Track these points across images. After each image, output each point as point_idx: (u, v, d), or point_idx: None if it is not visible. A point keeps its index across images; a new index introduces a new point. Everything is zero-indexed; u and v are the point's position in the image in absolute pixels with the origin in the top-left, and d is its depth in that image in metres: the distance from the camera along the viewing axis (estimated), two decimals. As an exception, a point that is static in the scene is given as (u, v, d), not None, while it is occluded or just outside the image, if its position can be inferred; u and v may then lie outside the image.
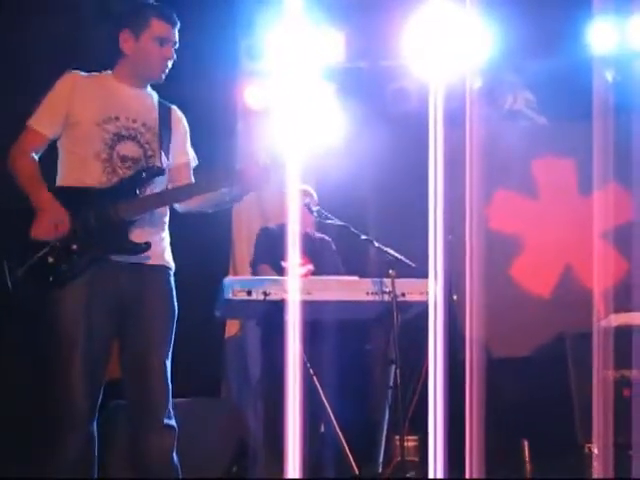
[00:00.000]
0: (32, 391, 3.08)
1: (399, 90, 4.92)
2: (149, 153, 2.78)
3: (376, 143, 4.56)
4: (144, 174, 2.74)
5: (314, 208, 4.03)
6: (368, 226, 4.58)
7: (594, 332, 3.11)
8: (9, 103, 2.81)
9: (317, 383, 3.55)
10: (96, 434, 2.68)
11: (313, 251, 4.08)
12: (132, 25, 2.78)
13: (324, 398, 3.55)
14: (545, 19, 4.63)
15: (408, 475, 3.55)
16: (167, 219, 2.86)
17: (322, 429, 3.84)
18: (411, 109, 4.81)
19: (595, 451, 3.60)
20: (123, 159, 2.73)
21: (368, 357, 4.14)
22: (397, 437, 3.65)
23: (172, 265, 2.84)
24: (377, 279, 3.75)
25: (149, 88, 2.89)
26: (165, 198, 2.80)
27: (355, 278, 3.83)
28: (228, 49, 4.77)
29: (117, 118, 2.74)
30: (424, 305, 3.70)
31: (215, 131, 4.35)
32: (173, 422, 2.72)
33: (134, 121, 2.77)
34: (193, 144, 2.99)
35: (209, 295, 3.81)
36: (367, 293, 3.73)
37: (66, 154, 2.76)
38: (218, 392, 4.61)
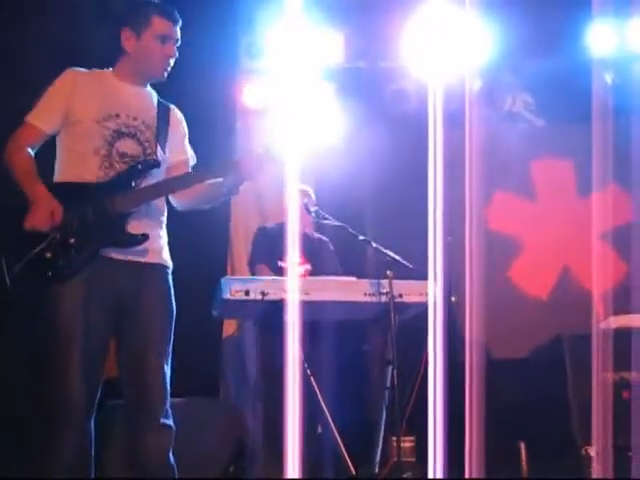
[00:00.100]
0: (29, 387, 3.07)
1: (398, 91, 4.92)
2: (148, 151, 2.78)
3: (375, 143, 4.56)
4: (140, 166, 2.74)
5: (312, 208, 4.03)
6: (366, 227, 4.59)
7: (593, 334, 3.11)
8: (9, 103, 2.80)
9: (314, 383, 3.54)
10: (93, 433, 2.67)
11: (311, 251, 4.07)
12: (134, 23, 2.78)
13: (321, 398, 3.55)
14: (544, 21, 4.63)
15: (404, 476, 3.55)
16: (165, 218, 2.86)
17: (319, 429, 3.84)
18: (410, 110, 4.81)
19: (593, 453, 3.60)
20: (122, 156, 2.74)
21: (365, 358, 4.13)
22: (394, 438, 3.65)
23: (170, 264, 2.84)
24: (375, 280, 3.74)
25: (149, 87, 2.89)
26: (161, 189, 2.79)
27: (353, 279, 3.83)
28: (228, 47, 4.77)
29: (117, 115, 2.75)
30: (422, 306, 3.72)
31: (214, 129, 4.35)
32: (170, 422, 2.72)
33: (134, 119, 2.78)
34: (191, 142, 2.99)
35: (206, 294, 3.81)
36: (365, 294, 3.73)
37: (65, 151, 2.76)
38: (216, 392, 4.61)
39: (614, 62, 4.73)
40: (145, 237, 2.72)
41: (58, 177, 2.77)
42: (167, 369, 2.73)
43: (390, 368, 3.63)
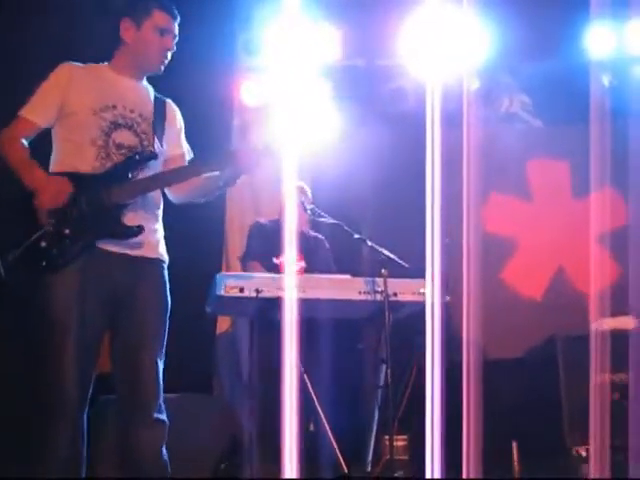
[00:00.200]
0: (23, 378, 3.06)
1: (396, 89, 4.92)
2: (145, 143, 2.78)
3: (372, 142, 4.56)
4: (137, 157, 2.74)
5: (308, 206, 4.03)
6: (363, 225, 4.58)
7: (591, 335, 3.12)
8: (8, 103, 2.80)
9: (308, 381, 3.54)
10: (86, 426, 2.66)
11: (307, 249, 4.07)
12: (134, 14, 2.79)
13: (314, 396, 3.55)
14: (542, 22, 4.63)
15: (397, 474, 3.56)
16: (161, 211, 2.85)
17: (311, 427, 3.84)
18: (408, 109, 4.81)
19: (583, 454, 3.62)
20: (119, 146, 2.74)
21: (359, 356, 4.13)
22: (386, 436, 3.65)
23: (166, 258, 2.84)
24: (369, 278, 3.75)
25: (145, 81, 2.89)
26: (158, 181, 2.79)
27: (348, 277, 3.83)
28: (225, 44, 4.76)
29: (114, 107, 2.75)
30: (416, 305, 3.73)
31: (211, 126, 4.34)
32: (164, 416, 2.72)
33: (131, 111, 2.78)
34: (188, 138, 2.99)
35: (201, 290, 3.80)
36: (359, 292, 3.73)
37: (61, 142, 2.76)
38: (209, 388, 4.60)
39: (612, 64, 4.73)
40: (141, 229, 2.71)
41: (54, 168, 2.76)
42: (161, 364, 2.73)
43: (384, 367, 3.63)
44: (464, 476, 2.22)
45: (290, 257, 3.10)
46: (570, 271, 5.10)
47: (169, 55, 2.83)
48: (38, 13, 3.92)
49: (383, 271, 3.69)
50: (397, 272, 3.76)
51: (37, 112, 2.72)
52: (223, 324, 4.73)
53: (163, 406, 2.72)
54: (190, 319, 3.89)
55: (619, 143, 3.54)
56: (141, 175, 2.76)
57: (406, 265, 3.76)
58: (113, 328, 2.72)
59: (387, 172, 4.73)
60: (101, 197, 2.68)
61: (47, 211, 2.62)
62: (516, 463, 4.15)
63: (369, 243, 3.86)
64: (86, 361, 2.65)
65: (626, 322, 3.86)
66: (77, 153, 2.72)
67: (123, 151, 2.74)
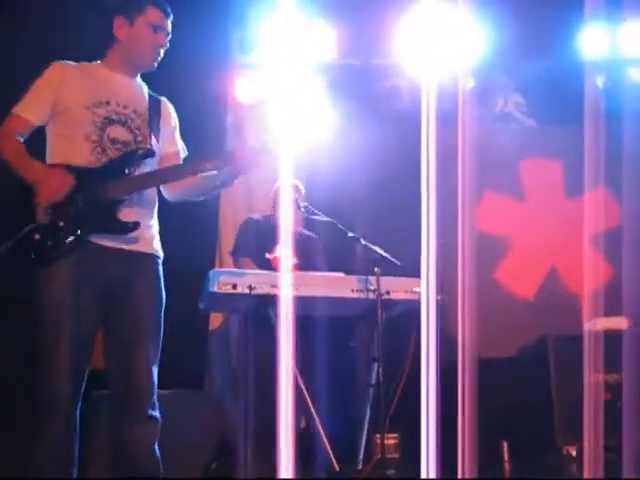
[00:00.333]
0: (15, 373, 3.06)
1: (391, 88, 4.93)
2: (139, 138, 2.78)
3: (367, 140, 4.57)
4: (134, 154, 2.74)
5: (302, 204, 4.03)
6: (357, 223, 4.59)
7: (585, 335, 3.14)
8: (1, 101, 2.80)
9: (300, 378, 3.54)
10: (78, 422, 2.66)
11: (300, 248, 4.07)
12: (127, 11, 2.80)
13: (306, 394, 3.55)
14: (537, 22, 4.65)
15: (388, 473, 3.56)
16: (156, 207, 2.85)
17: (302, 425, 3.84)
18: (403, 107, 4.82)
19: (574, 453, 3.64)
20: (113, 141, 2.74)
21: (352, 354, 4.14)
22: (378, 435, 3.66)
23: (161, 254, 2.84)
24: (363, 276, 3.75)
25: (139, 79, 2.89)
26: (154, 178, 2.79)
27: (341, 275, 3.83)
28: (220, 41, 4.75)
29: (108, 102, 2.75)
30: (409, 303, 3.74)
31: (205, 123, 4.34)
32: (157, 413, 2.72)
33: (125, 107, 2.78)
34: (182, 135, 2.99)
35: (194, 286, 3.80)
36: (352, 290, 3.73)
37: (55, 136, 2.76)
38: (202, 385, 4.60)
39: (606, 65, 4.75)
40: (136, 225, 2.71)
41: (49, 162, 2.75)
42: (156, 360, 2.73)
43: (376, 365, 3.64)
44: (459, 476, 2.22)
45: (284, 254, 3.09)
46: (562, 271, 5.12)
47: (162, 52, 2.84)
48: (32, 12, 3.92)
49: (376, 269, 3.70)
50: (390, 270, 3.77)
51: (31, 109, 2.72)
52: (216, 321, 4.73)
53: (157, 403, 2.72)
54: (183, 315, 3.89)
55: (613, 144, 3.55)
56: (137, 171, 2.76)
57: (399, 263, 3.76)
58: (107, 323, 2.72)
59: (381, 171, 4.74)
60: (97, 192, 2.68)
61: (47, 204, 2.61)
62: (506, 462, 4.16)
63: (362, 241, 3.87)
64: (80, 356, 2.64)
65: (619, 322, 3.88)
66: (72, 148, 2.72)
67: (118, 146, 2.74)
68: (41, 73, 2.76)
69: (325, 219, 4.01)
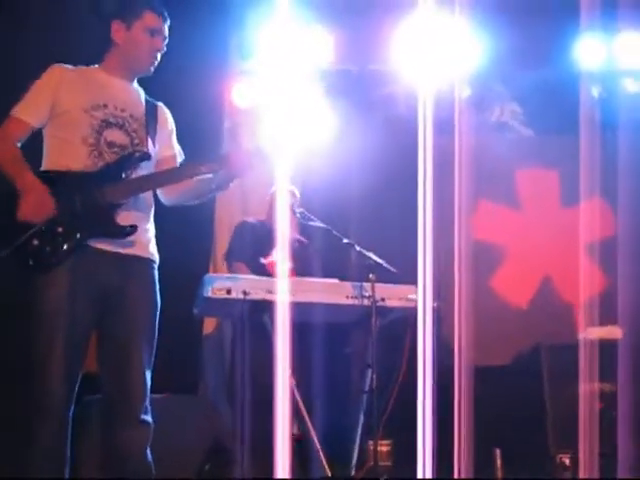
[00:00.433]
0: (10, 376, 3.05)
1: (388, 95, 4.94)
2: (136, 141, 2.79)
3: (363, 147, 4.57)
4: (130, 157, 2.74)
5: (297, 210, 4.02)
6: (352, 229, 4.59)
7: (580, 344, 3.15)
8: (5, 104, 2.81)
9: (294, 384, 3.54)
10: (70, 425, 2.65)
11: (295, 253, 4.07)
12: (124, 15, 2.81)
13: (300, 400, 3.55)
14: (534, 32, 4.66)
15: (381, 479, 3.56)
16: (152, 211, 2.85)
17: (295, 430, 3.83)
18: (399, 114, 4.83)
19: (567, 461, 3.64)
20: (110, 145, 2.74)
21: (346, 360, 4.14)
22: (371, 441, 3.66)
23: (157, 258, 2.84)
24: (357, 283, 3.75)
25: (136, 84, 2.90)
26: (151, 181, 2.80)
27: (335, 281, 3.83)
28: (218, 46, 4.75)
29: (105, 106, 2.75)
30: (403, 310, 3.74)
31: (202, 128, 4.33)
32: (149, 418, 2.71)
33: (122, 110, 2.79)
34: (179, 140, 3.00)
35: (188, 291, 3.79)
36: (347, 297, 3.73)
37: (51, 139, 2.75)
38: (195, 389, 4.59)
39: (601, 76, 4.77)
40: (134, 228, 2.71)
41: (46, 166, 2.76)
42: (150, 365, 2.73)
43: (370, 371, 3.63)
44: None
45: (279, 259, 3.10)
46: (557, 280, 5.13)
47: (159, 56, 2.85)
48: (30, 15, 3.92)
49: (371, 276, 3.70)
50: (385, 277, 3.77)
51: (29, 112, 2.72)
52: (209, 325, 4.72)
53: (149, 407, 2.71)
54: (177, 320, 3.87)
55: (608, 154, 3.57)
56: (134, 175, 2.76)
57: (394, 270, 3.77)
58: (102, 327, 2.71)
59: (377, 177, 4.74)
60: (95, 196, 2.68)
61: (22, 220, 2.59)
62: (499, 470, 4.16)
63: (357, 248, 3.87)
64: (74, 360, 2.64)
65: (613, 332, 3.89)
66: (69, 151, 2.72)
67: (115, 149, 2.75)
68: (39, 75, 2.77)
69: (320, 225, 4.01)
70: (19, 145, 2.72)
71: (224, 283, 3.60)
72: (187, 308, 3.85)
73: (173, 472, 3.22)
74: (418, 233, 2.32)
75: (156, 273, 2.81)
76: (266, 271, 3.94)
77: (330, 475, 3.54)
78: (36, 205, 2.61)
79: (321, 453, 3.54)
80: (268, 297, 3.53)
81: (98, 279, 2.68)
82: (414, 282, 2.65)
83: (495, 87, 4.97)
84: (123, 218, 2.71)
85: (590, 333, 3.79)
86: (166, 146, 2.92)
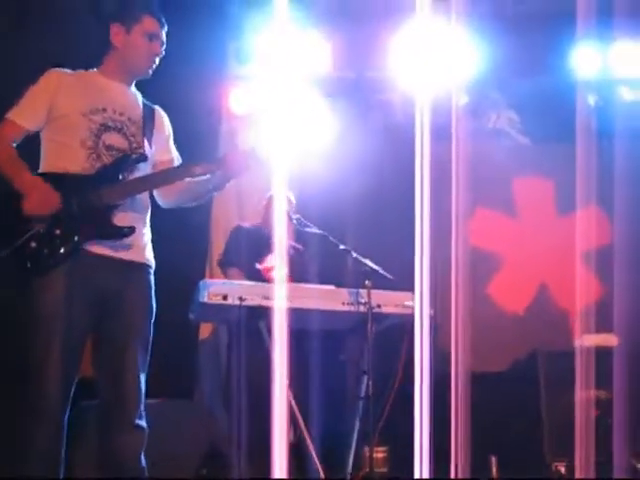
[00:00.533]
0: (6, 379, 3.04)
1: (385, 102, 4.95)
2: (134, 145, 2.80)
3: (360, 153, 4.58)
4: (127, 159, 2.75)
5: (294, 216, 4.02)
6: (349, 235, 4.59)
7: (576, 351, 3.16)
8: (3, 106, 2.82)
9: (289, 391, 3.53)
10: (66, 429, 2.65)
11: (292, 260, 4.06)
12: (124, 18, 2.83)
13: (296, 406, 3.54)
14: (530, 40, 4.68)
15: (376, 486, 3.56)
16: (149, 214, 2.86)
17: (291, 437, 3.83)
18: (396, 121, 4.84)
19: (562, 469, 3.64)
20: (108, 148, 2.75)
21: (342, 367, 4.13)
22: (366, 448, 3.65)
23: (153, 263, 2.84)
24: (353, 289, 3.75)
25: (134, 88, 2.91)
26: (147, 182, 2.81)
27: (331, 287, 3.83)
28: (216, 52, 4.76)
29: (104, 110, 2.77)
30: (399, 317, 3.74)
31: (199, 133, 4.34)
32: (144, 423, 2.72)
33: (121, 114, 2.80)
34: (176, 144, 3.00)
35: (184, 295, 3.79)
36: (343, 303, 3.73)
37: (49, 142, 2.76)
38: (191, 395, 4.58)
39: (597, 85, 4.79)
40: (131, 230, 2.72)
41: (44, 169, 2.76)
42: (144, 369, 2.73)
43: (365, 378, 3.63)
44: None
45: (277, 265, 3.10)
46: (553, 288, 5.14)
47: (157, 60, 2.87)
48: (28, 18, 3.92)
49: (367, 282, 3.70)
50: (381, 284, 3.77)
51: (25, 115, 2.73)
52: (205, 330, 4.72)
53: (144, 412, 2.72)
54: (173, 325, 3.87)
55: (605, 162, 3.58)
56: (131, 177, 2.77)
57: (390, 277, 3.77)
58: (98, 331, 2.72)
59: (374, 184, 4.76)
60: (91, 198, 2.69)
61: (31, 216, 2.61)
62: (495, 477, 4.16)
63: (354, 254, 3.87)
64: (70, 363, 2.64)
65: (609, 339, 3.90)
66: (67, 154, 2.72)
67: (113, 152, 2.76)
68: (37, 79, 2.77)
69: (317, 231, 4.01)
70: (14, 146, 2.72)
71: (220, 288, 3.60)
72: (183, 313, 3.84)
73: (169, 477, 3.22)
74: (415, 240, 2.32)
75: (152, 278, 2.82)
76: (261, 276, 3.94)
77: (325, 481, 3.54)
78: (40, 200, 2.63)
79: (317, 459, 3.54)
80: (264, 303, 3.52)
81: (95, 283, 2.68)
82: (410, 289, 2.65)
83: (492, 95, 4.99)
84: (120, 219, 2.72)
85: (586, 340, 3.80)
86: (163, 150, 2.93)
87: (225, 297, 3.57)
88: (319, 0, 4.70)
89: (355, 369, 3.92)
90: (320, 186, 4.55)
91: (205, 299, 3.57)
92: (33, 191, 2.62)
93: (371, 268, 3.78)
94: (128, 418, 2.68)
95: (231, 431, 3.61)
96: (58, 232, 2.65)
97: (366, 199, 4.84)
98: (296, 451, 3.66)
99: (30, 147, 2.78)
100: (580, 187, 3.35)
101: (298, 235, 4.28)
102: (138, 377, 2.70)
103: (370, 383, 3.59)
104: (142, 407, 2.71)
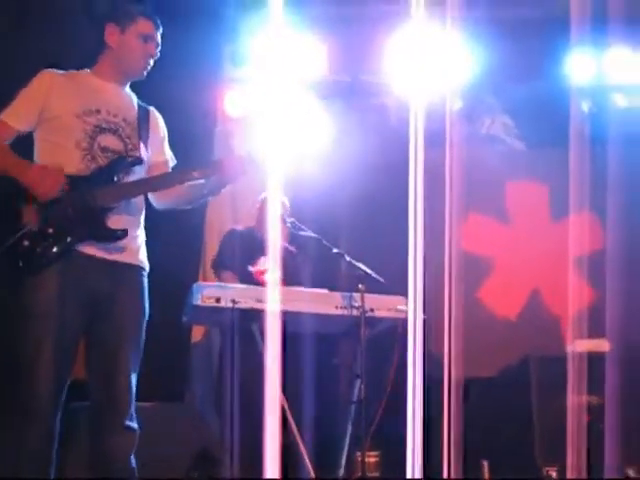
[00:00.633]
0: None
1: (379, 106, 4.96)
2: (129, 147, 2.79)
3: (354, 157, 4.58)
4: (122, 161, 2.75)
5: (288, 220, 4.02)
6: (342, 239, 4.60)
7: (568, 356, 3.17)
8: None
9: (281, 395, 3.53)
10: (58, 430, 2.64)
11: (284, 263, 4.06)
12: (118, 19, 2.83)
13: (288, 410, 3.54)
14: (525, 45, 4.69)
15: (367, 491, 3.55)
16: (143, 217, 2.86)
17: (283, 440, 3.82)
18: (390, 125, 4.85)
19: (553, 474, 3.65)
20: (104, 150, 2.75)
21: (335, 371, 4.13)
22: (358, 452, 3.65)
23: (146, 265, 2.84)
24: (347, 293, 3.75)
25: (128, 89, 2.91)
26: (142, 186, 2.80)
27: (325, 291, 3.83)
28: (211, 54, 4.76)
29: (98, 111, 2.76)
30: (392, 321, 3.75)
31: (193, 135, 4.34)
32: (135, 424, 2.72)
33: (115, 115, 2.79)
34: (171, 147, 3.00)
35: (177, 299, 3.78)
36: (336, 307, 3.73)
37: (43, 143, 2.76)
38: (182, 398, 4.57)
39: (591, 91, 4.81)
40: (125, 232, 2.71)
41: None
42: (136, 371, 2.73)
43: (358, 382, 3.63)
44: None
45: (270, 268, 3.10)
46: (545, 293, 5.15)
47: (151, 62, 2.87)
48: (28, 18, 3.92)
49: (360, 286, 3.70)
50: (374, 288, 3.77)
51: (17, 116, 2.73)
52: (197, 333, 4.71)
53: (134, 414, 2.72)
54: (165, 327, 3.86)
55: (598, 168, 3.60)
56: (126, 179, 2.77)
57: (383, 281, 3.77)
58: (90, 333, 2.71)
59: (367, 188, 4.76)
60: (86, 199, 2.69)
61: (45, 203, 2.60)
62: (487, 482, 4.17)
63: (347, 258, 3.87)
64: (62, 363, 2.64)
65: (601, 345, 3.91)
66: (62, 155, 2.72)
67: (108, 154, 2.75)
68: (29, 80, 2.77)
69: (311, 235, 4.02)
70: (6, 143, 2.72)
71: (213, 291, 3.59)
72: (176, 316, 3.84)
73: (159, 478, 3.21)
74: (408, 244, 2.33)
75: (145, 281, 2.81)
76: (254, 279, 3.94)
77: (317, 485, 3.53)
78: (52, 180, 2.62)
79: (309, 463, 3.53)
80: (257, 306, 3.52)
81: (87, 284, 2.67)
82: (403, 293, 2.65)
83: (486, 99, 5.00)
84: (114, 222, 2.71)
85: (578, 346, 3.81)
86: (158, 152, 2.93)
87: (218, 300, 3.57)
88: (315, 3, 4.70)
89: (348, 373, 3.92)
90: (314, 189, 4.55)
91: (198, 302, 3.56)
92: (44, 179, 2.60)
93: (364, 272, 3.78)
94: (119, 419, 2.68)
95: (223, 434, 3.60)
96: (51, 231, 2.64)
97: (360, 203, 4.85)
98: (287, 454, 3.66)
99: (22, 147, 2.77)
100: (573, 193, 3.36)
101: (292, 238, 4.28)
102: (129, 380, 2.70)
103: (363, 387, 3.58)
104: (132, 409, 2.71)
